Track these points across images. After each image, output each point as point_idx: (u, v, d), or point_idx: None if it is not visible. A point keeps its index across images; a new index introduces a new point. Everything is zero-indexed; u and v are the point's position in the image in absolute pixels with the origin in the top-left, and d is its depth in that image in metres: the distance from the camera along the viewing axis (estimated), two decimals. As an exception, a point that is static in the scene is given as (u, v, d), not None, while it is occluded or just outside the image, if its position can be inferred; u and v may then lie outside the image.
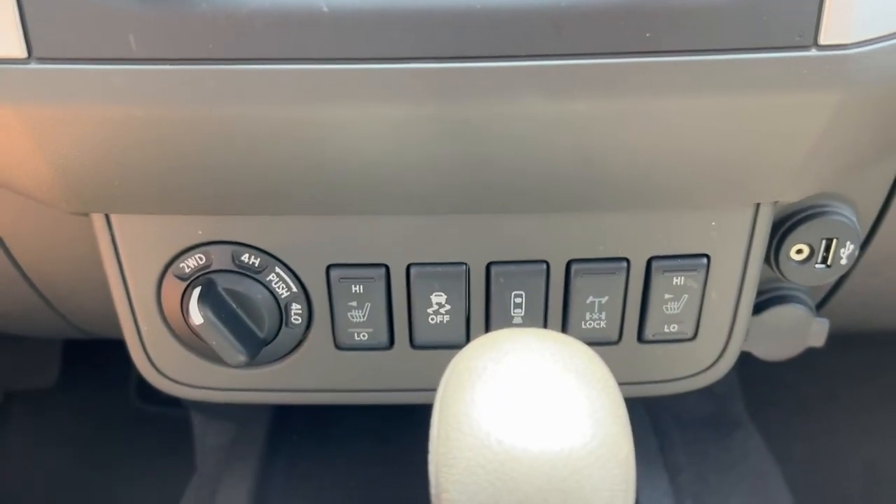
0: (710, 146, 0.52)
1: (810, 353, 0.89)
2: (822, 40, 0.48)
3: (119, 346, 0.81)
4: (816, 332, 0.83)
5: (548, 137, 0.51)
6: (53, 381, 1.68)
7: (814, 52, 0.48)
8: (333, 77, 0.48)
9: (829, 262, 0.73)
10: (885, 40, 0.49)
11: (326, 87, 0.48)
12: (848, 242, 0.72)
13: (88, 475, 1.64)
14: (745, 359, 0.86)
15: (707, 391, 1.33)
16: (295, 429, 1.11)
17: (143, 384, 1.83)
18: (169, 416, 1.59)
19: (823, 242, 0.73)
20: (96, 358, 1.74)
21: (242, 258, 0.63)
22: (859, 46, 0.48)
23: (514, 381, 0.41)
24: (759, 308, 0.81)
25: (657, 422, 1.15)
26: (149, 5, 0.46)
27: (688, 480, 1.08)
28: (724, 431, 1.22)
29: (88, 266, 0.72)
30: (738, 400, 1.29)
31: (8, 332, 1.05)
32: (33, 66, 0.49)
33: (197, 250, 0.63)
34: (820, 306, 0.86)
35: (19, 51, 0.48)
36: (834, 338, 0.98)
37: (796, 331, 0.83)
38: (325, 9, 0.46)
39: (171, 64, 0.48)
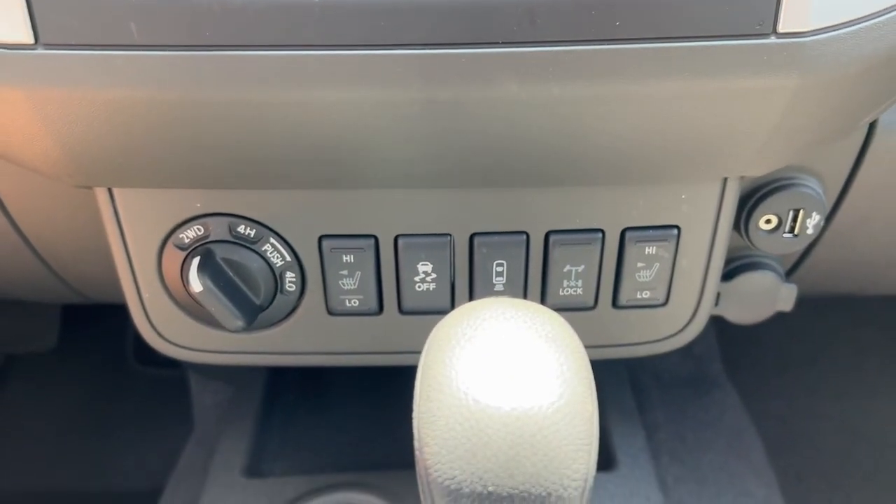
0: (677, 127, 0.56)
1: (789, 314, 0.93)
2: (781, 28, 0.51)
3: (117, 310, 0.84)
4: (785, 298, 0.87)
5: (525, 119, 0.55)
6: (53, 344, 1.72)
7: (773, 40, 0.51)
8: (323, 62, 0.51)
9: (796, 232, 0.77)
10: (839, 28, 0.52)
11: (316, 72, 0.51)
12: (814, 213, 0.77)
13: (87, 435, 1.69)
14: (724, 321, 0.91)
15: (686, 352, 1.38)
16: (289, 389, 1.16)
17: (140, 346, 1.86)
18: (166, 377, 1.64)
19: (791, 213, 0.77)
20: (95, 321, 1.78)
21: (239, 229, 0.67)
22: (815, 34, 0.51)
23: (489, 346, 0.45)
24: (730, 274, 0.86)
25: (637, 382, 1.19)
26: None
27: (665, 438, 1.13)
28: (703, 391, 1.27)
29: (91, 235, 0.75)
30: (716, 361, 1.33)
31: (10, 297, 1.08)
32: (40, 51, 0.52)
33: (196, 222, 0.67)
34: (790, 273, 0.90)
35: (27, 37, 0.51)
36: (813, 300, 1.02)
37: (766, 296, 0.87)
38: (312, -3, 0.49)
39: (170, 50, 0.51)
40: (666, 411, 1.19)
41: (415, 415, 0.46)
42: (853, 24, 0.52)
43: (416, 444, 0.45)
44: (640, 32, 0.51)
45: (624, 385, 1.14)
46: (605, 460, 1.02)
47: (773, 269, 0.86)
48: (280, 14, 0.50)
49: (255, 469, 1.00)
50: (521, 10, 0.49)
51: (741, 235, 0.78)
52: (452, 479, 0.43)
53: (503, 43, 0.51)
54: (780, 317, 0.93)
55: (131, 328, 0.78)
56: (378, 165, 0.60)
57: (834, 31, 0.52)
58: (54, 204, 0.74)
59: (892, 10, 0.52)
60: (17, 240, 0.81)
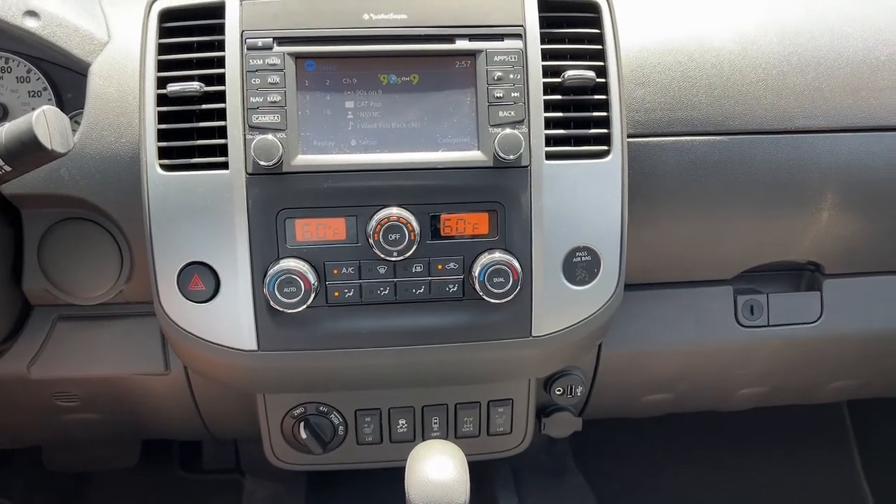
0: (495, 370, 1.44)
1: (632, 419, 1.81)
2: (533, 334, 1.39)
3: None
4: (577, 425, 1.75)
5: (436, 367, 1.41)
6: (134, 463, 2.41)
7: (530, 338, 1.38)
8: (370, 354, 1.36)
9: (572, 395, 1.66)
10: (559, 332, 1.38)
11: (365, 356, 1.37)
12: (580, 387, 1.65)
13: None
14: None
15: (550, 451, 2.25)
16: (326, 479, 1.97)
17: (189, 458, 2.61)
18: (220, 481, 2.37)
19: (569, 386, 1.66)
20: (158, 444, 2.50)
21: (321, 408, 1.52)
22: (548, 336, 1.38)
23: (431, 460, 1.30)
24: (549, 413, 1.73)
25: (517, 469, 2.05)
26: (305, 330, 1.35)
27: (532, 497, 1.98)
28: (559, 474, 2.12)
29: (241, 408, 1.59)
30: (570, 456, 2.20)
31: (158, 437, 1.88)
32: (259, 352, 1.35)
33: (301, 406, 1.52)
34: (581, 412, 1.79)
35: (255, 346, 1.35)
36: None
37: (567, 424, 1.74)
38: (364, 331, 1.36)
39: (311, 350, 1.36)
40: (535, 488, 2.04)
41: (406, 481, 1.30)
42: (564, 330, 1.40)
43: (406, 489, 1.29)
44: (478, 337, 1.38)
45: (508, 471, 1.99)
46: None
47: (570, 410, 1.74)
48: (353, 338, 1.36)
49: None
50: (434, 335, 1.37)
51: (549, 395, 1.67)
52: (418, 501, 1.27)
53: (428, 344, 1.37)
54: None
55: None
56: (385, 383, 1.47)
57: (556, 333, 1.39)
58: (227, 393, 1.58)
59: (577, 324, 1.40)
60: (193, 410, 1.64)
